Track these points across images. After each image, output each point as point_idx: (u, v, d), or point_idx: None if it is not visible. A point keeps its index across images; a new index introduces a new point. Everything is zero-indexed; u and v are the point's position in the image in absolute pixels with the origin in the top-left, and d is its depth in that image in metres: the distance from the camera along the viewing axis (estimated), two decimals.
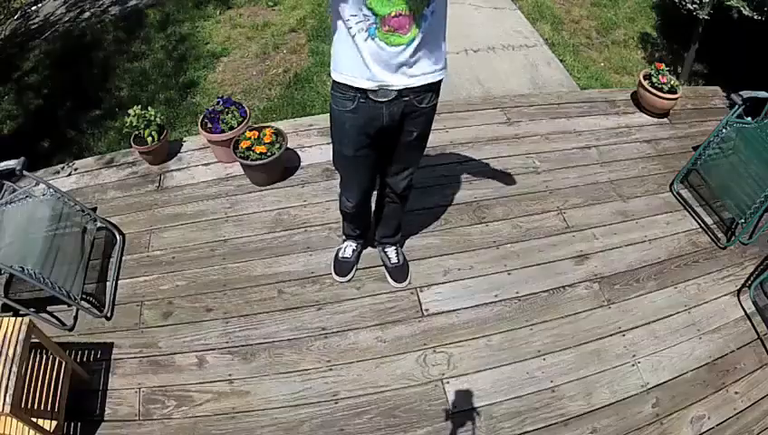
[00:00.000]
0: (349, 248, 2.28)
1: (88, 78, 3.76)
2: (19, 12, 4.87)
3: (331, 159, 1.88)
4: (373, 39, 1.37)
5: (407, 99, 1.54)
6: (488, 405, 1.93)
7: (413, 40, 1.39)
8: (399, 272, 2.27)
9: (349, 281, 2.26)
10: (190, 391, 1.96)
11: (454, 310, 2.19)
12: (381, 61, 1.42)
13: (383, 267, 2.30)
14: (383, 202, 2.10)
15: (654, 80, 3.05)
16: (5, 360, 1.53)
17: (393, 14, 1.32)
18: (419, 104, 1.58)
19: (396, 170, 1.88)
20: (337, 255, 2.30)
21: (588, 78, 3.64)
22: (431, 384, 1.98)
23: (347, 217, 2.15)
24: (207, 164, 2.80)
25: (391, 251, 2.27)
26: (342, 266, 2.28)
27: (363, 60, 1.42)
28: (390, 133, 1.66)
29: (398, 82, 1.48)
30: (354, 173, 1.86)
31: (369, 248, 2.39)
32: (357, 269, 2.30)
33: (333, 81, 1.55)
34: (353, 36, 1.37)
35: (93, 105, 3.53)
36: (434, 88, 1.59)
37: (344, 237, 2.31)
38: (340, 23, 1.39)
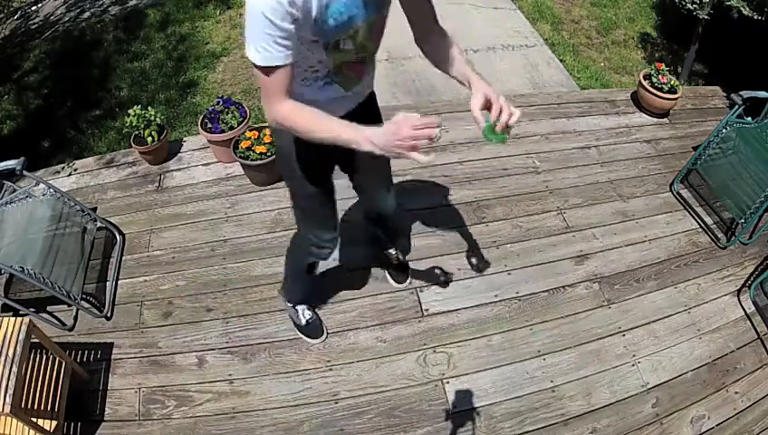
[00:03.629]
0: (306, 311, 2.07)
1: (88, 78, 3.76)
2: (19, 12, 4.87)
3: (293, 206, 1.69)
4: (331, 85, 1.30)
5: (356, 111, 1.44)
6: (488, 405, 1.93)
7: (365, 77, 1.38)
8: (400, 272, 2.27)
9: (326, 338, 2.08)
10: (190, 391, 1.96)
11: (454, 310, 2.19)
12: (338, 105, 1.33)
13: (382, 268, 2.29)
14: (375, 229, 2.10)
15: (654, 80, 3.05)
16: (5, 360, 1.53)
17: (353, 60, 1.27)
18: (367, 107, 1.50)
19: (382, 192, 1.83)
20: (297, 323, 2.08)
21: (588, 78, 3.64)
22: (431, 384, 1.98)
23: (310, 275, 1.92)
24: (207, 164, 2.80)
25: (391, 252, 2.25)
26: (312, 329, 2.08)
27: (318, 105, 1.26)
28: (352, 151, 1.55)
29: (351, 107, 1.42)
30: (326, 205, 1.63)
31: (371, 249, 2.39)
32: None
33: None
34: (308, 85, 1.28)
35: (93, 105, 3.53)
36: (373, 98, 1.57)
37: (292, 304, 2.06)
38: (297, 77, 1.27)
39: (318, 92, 1.29)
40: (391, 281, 2.27)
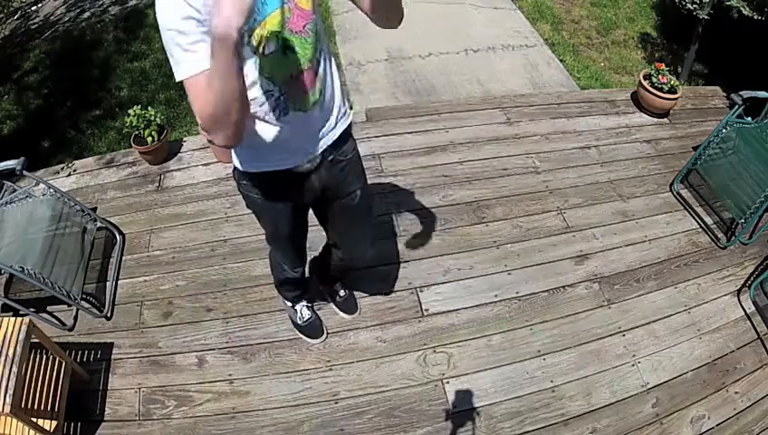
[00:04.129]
0: (304, 310, 2.07)
1: (88, 78, 3.76)
2: (19, 12, 4.87)
3: (266, 237, 1.71)
4: (287, 114, 1.20)
5: (330, 157, 1.38)
6: (488, 405, 1.93)
7: (322, 91, 1.24)
8: (349, 304, 2.16)
9: (326, 338, 2.09)
10: (190, 391, 1.96)
11: (454, 310, 2.19)
12: (305, 131, 1.27)
13: (333, 303, 2.18)
14: (332, 262, 1.94)
15: (654, 80, 3.05)
16: (5, 360, 1.53)
17: (294, 73, 1.16)
18: (344, 157, 1.44)
19: (363, 243, 1.76)
20: (296, 323, 2.09)
21: (588, 78, 3.64)
22: (431, 384, 1.98)
23: (291, 284, 1.96)
24: (207, 164, 2.80)
25: (338, 286, 2.15)
26: (312, 328, 2.08)
27: (284, 140, 1.25)
28: (329, 198, 1.51)
29: (321, 144, 1.33)
30: (297, 245, 1.70)
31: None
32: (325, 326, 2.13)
33: (245, 172, 1.36)
34: (265, 120, 1.20)
35: (93, 105, 3.53)
36: (349, 131, 1.44)
37: (291, 303, 2.08)
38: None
39: (278, 123, 1.21)
40: (342, 314, 2.16)
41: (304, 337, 2.09)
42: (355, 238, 1.74)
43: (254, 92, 1.14)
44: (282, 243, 1.69)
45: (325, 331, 2.10)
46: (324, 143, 1.34)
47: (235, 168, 1.39)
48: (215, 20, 0.87)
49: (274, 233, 1.64)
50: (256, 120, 1.20)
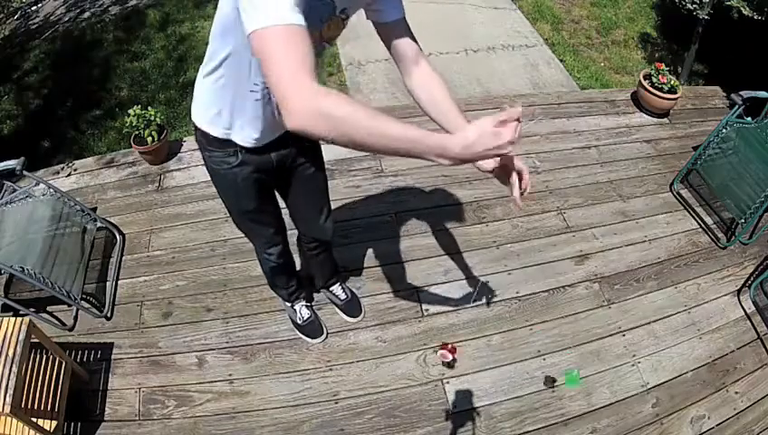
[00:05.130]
0: (303, 310, 2.07)
1: (88, 78, 3.76)
2: (19, 12, 4.87)
3: (234, 220, 1.70)
4: (270, 102, 1.23)
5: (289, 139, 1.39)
6: (488, 405, 1.92)
7: None
8: (352, 306, 2.15)
9: (326, 338, 2.09)
10: (190, 391, 1.96)
11: (454, 310, 2.19)
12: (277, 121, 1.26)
13: (335, 306, 2.18)
14: (310, 257, 1.97)
15: (654, 80, 3.05)
16: (5, 360, 1.53)
17: None
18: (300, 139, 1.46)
19: (315, 214, 1.74)
20: (295, 322, 2.09)
21: (588, 78, 3.64)
22: (431, 384, 1.98)
23: (278, 273, 1.94)
24: None
25: (337, 289, 2.14)
26: (311, 328, 2.08)
27: (262, 120, 1.28)
28: (286, 172, 1.53)
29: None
30: (266, 225, 1.69)
31: (370, 250, 2.39)
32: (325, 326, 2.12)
33: (212, 138, 1.34)
34: (256, 100, 1.22)
35: (93, 105, 3.53)
36: None
37: (289, 303, 2.09)
38: (241, 89, 1.22)
39: (264, 109, 1.24)
40: (346, 317, 2.14)
41: (304, 337, 2.09)
42: (309, 208, 1.73)
43: (260, 78, 1.17)
44: (249, 222, 1.67)
45: (325, 330, 2.10)
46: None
47: (204, 135, 1.37)
48: (488, 140, 0.86)
49: (238, 210, 1.62)
50: (250, 96, 1.22)
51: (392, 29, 1.21)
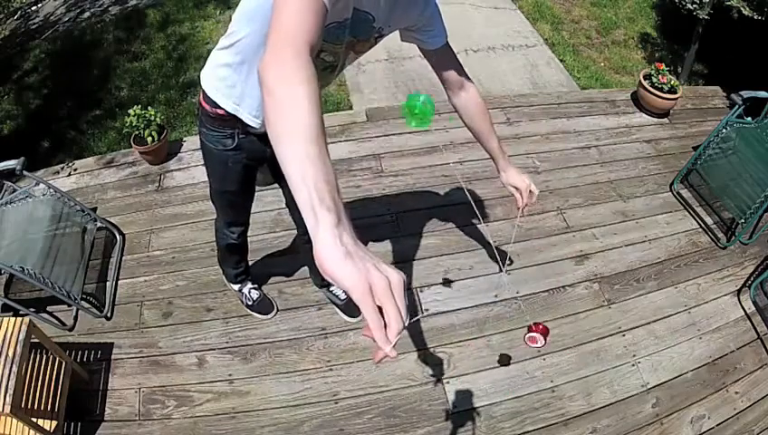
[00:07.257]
0: (252, 292, 2.14)
1: (88, 78, 3.76)
2: (19, 12, 4.87)
3: (210, 193, 1.73)
4: None
5: None
6: (488, 405, 1.93)
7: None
8: (352, 306, 2.12)
9: (276, 313, 2.15)
10: (190, 391, 1.96)
11: (454, 310, 2.19)
12: None
13: (335, 306, 2.19)
14: (310, 256, 1.97)
15: (654, 80, 3.05)
16: (5, 360, 1.53)
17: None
18: None
19: None
20: (246, 304, 2.15)
21: (588, 78, 3.64)
22: (431, 384, 1.98)
23: (232, 252, 2.00)
24: None
25: (337, 289, 2.14)
26: (262, 306, 2.15)
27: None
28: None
29: None
30: (238, 208, 1.75)
31: (373, 245, 2.39)
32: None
33: (213, 115, 1.36)
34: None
35: (93, 105, 3.53)
36: None
37: (236, 285, 2.15)
38: (257, 67, 1.19)
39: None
40: (346, 317, 2.15)
41: (257, 314, 2.14)
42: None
43: None
44: (226, 200, 1.72)
45: (275, 306, 2.16)
46: None
47: (206, 114, 1.38)
48: (357, 273, 0.60)
49: (220, 189, 1.67)
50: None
51: (433, 55, 1.34)
